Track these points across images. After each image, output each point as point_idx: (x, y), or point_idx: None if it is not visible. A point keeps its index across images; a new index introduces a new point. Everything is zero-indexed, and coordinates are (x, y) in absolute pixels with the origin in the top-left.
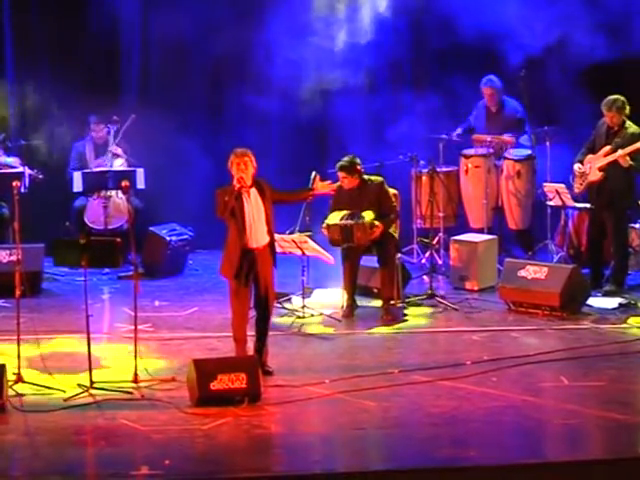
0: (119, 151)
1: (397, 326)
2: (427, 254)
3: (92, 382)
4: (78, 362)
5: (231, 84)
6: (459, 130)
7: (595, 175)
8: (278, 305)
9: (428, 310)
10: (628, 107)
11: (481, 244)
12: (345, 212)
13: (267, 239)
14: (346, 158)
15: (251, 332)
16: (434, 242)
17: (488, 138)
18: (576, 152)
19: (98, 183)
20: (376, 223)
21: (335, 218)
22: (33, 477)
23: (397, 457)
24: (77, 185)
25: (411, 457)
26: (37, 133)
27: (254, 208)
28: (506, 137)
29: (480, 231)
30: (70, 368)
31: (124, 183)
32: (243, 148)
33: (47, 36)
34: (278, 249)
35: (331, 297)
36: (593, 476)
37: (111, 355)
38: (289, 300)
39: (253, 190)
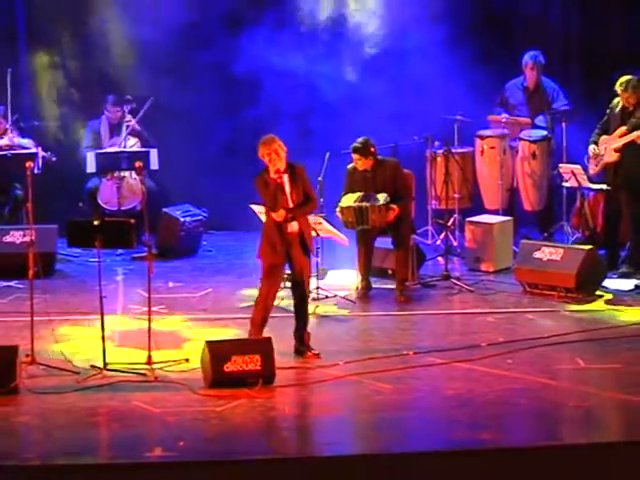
0: (137, 126)
1: (412, 308)
2: (442, 235)
3: (106, 364)
4: (92, 343)
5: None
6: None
7: (611, 156)
8: None
9: (443, 292)
10: None
11: (496, 225)
12: (359, 194)
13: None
14: (360, 139)
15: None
16: (450, 223)
17: (503, 119)
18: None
19: (111, 164)
20: (392, 206)
21: (349, 200)
22: (46, 459)
23: (412, 440)
24: (90, 166)
25: (426, 440)
26: (50, 114)
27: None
28: (522, 118)
29: (495, 212)
30: (83, 350)
31: (137, 164)
32: (268, 135)
33: (60, 16)
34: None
35: (345, 278)
36: (610, 459)
37: (124, 337)
38: None
39: (286, 176)
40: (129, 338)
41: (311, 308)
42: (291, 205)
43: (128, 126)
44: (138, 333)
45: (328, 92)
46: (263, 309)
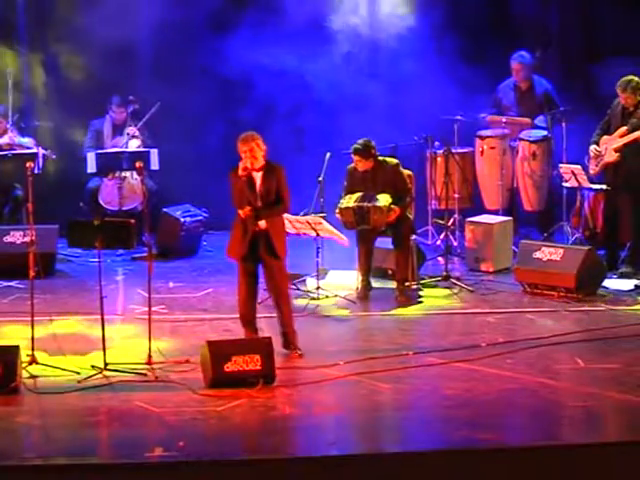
0: (137, 133)
1: (412, 308)
2: (442, 235)
3: (106, 364)
4: (92, 344)
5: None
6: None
7: (611, 156)
8: (292, 287)
9: (443, 292)
10: None
11: (496, 225)
12: (358, 194)
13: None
14: (360, 141)
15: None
16: (450, 224)
17: (503, 119)
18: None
19: (112, 164)
20: (393, 207)
21: (348, 201)
22: (46, 459)
23: (411, 439)
24: (91, 166)
25: (426, 439)
26: (51, 113)
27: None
28: (522, 119)
29: (495, 212)
30: (84, 350)
31: (138, 164)
32: (248, 133)
33: (61, 16)
34: (292, 230)
35: (346, 279)
36: (610, 459)
37: (125, 337)
38: (304, 282)
39: (260, 174)
40: (129, 338)
41: (311, 308)
42: (260, 204)
43: (129, 133)
44: (138, 333)
45: (328, 92)
46: (249, 310)
